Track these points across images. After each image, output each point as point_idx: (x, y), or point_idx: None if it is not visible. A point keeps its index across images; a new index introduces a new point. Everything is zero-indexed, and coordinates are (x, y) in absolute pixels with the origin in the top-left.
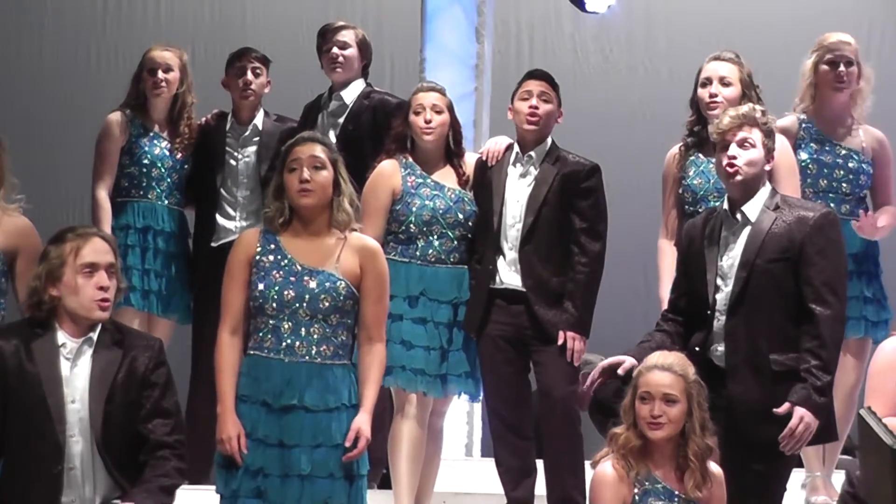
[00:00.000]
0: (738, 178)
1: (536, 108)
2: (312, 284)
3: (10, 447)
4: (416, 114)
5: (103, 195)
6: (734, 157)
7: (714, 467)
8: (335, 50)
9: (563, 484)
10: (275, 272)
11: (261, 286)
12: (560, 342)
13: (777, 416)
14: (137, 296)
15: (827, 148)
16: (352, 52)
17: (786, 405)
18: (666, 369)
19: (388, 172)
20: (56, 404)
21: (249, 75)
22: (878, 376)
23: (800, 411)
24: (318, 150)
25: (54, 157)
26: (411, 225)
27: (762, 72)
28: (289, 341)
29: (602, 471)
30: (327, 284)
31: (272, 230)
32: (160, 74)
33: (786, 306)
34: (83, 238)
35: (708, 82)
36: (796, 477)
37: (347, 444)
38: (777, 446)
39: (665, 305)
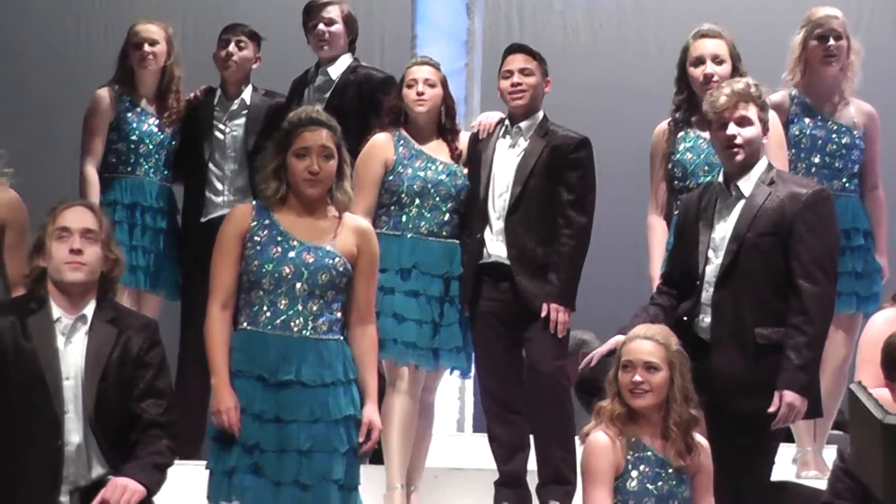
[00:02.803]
0: (739, 158)
1: (519, 83)
2: (311, 260)
3: (8, 424)
4: (409, 87)
5: (91, 170)
6: (734, 137)
7: (700, 439)
8: (321, 26)
9: (553, 458)
10: (272, 247)
11: (257, 261)
12: (543, 314)
13: (760, 389)
14: (125, 272)
15: (819, 123)
16: (338, 27)
17: (775, 400)
18: (648, 338)
19: (382, 144)
20: (53, 380)
21: (232, 47)
22: (869, 348)
23: (787, 396)
24: (327, 138)
25: (44, 132)
26: (403, 195)
27: (752, 45)
28: (285, 316)
29: (595, 438)
30: (326, 260)
31: (266, 206)
32: (146, 48)
33: (774, 281)
34: (65, 205)
35: (700, 61)
36: (787, 452)
37: (361, 440)
38: (761, 419)
39: (655, 283)
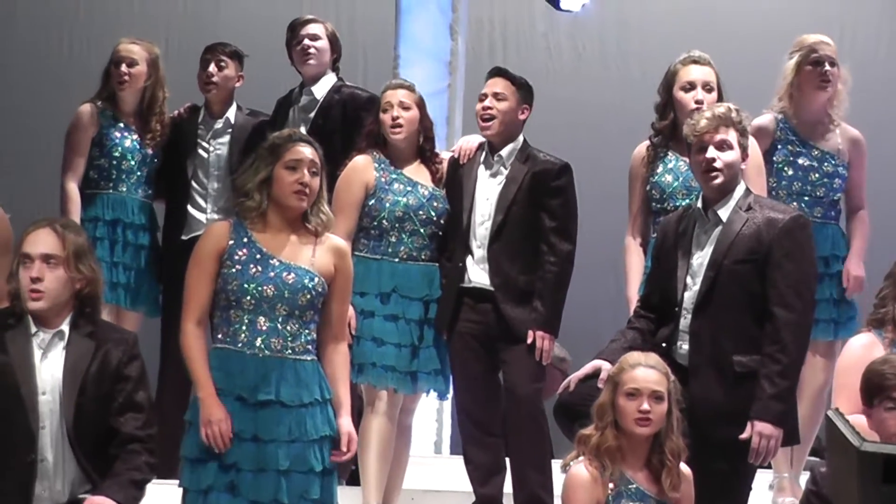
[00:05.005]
0: (718, 181)
1: (489, 108)
2: (291, 280)
3: None
4: (385, 111)
5: (73, 187)
6: (713, 160)
7: (684, 467)
8: (306, 41)
9: (529, 482)
10: (252, 266)
11: (238, 280)
12: (529, 341)
13: (738, 417)
14: (105, 288)
15: (803, 150)
16: (322, 43)
17: (748, 429)
18: (651, 367)
19: (362, 167)
20: (29, 393)
21: (212, 68)
22: (846, 373)
23: (759, 427)
24: (315, 155)
25: (27, 146)
26: (383, 221)
27: (735, 71)
28: (264, 336)
29: (576, 472)
30: (306, 281)
31: (246, 220)
32: (124, 68)
33: (752, 308)
34: (33, 226)
35: (691, 87)
36: (764, 478)
37: (344, 449)
38: (739, 446)
39: (633, 305)
